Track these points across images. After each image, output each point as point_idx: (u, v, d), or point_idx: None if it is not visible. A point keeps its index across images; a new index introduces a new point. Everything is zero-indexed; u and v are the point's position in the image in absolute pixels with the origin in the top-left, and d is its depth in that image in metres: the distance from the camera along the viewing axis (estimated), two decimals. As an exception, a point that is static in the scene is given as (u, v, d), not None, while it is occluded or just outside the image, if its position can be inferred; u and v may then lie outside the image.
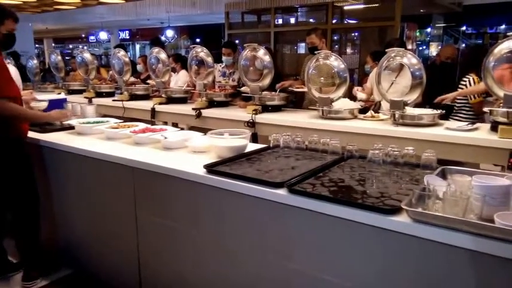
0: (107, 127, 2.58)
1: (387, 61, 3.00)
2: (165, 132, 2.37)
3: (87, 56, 5.00)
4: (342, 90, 3.21)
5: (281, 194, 1.54)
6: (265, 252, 1.66)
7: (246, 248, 1.73)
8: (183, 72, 5.17)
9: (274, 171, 1.78)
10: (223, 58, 4.53)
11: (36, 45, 14.57)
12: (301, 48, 6.47)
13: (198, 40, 13.47)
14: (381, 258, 1.32)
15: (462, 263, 1.15)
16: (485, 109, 2.61)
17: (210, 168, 1.81)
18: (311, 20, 5.89)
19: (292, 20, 6.52)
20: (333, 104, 3.25)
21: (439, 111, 2.90)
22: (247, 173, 1.75)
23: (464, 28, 15.34)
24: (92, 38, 17.88)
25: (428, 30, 13.04)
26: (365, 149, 1.94)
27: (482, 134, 2.60)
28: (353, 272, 1.39)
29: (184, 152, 2.22)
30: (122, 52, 4.74)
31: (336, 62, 3.22)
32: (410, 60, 2.87)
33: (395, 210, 1.28)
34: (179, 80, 5.04)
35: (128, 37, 16.07)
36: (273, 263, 1.63)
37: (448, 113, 3.14)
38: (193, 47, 4.15)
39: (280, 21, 6.24)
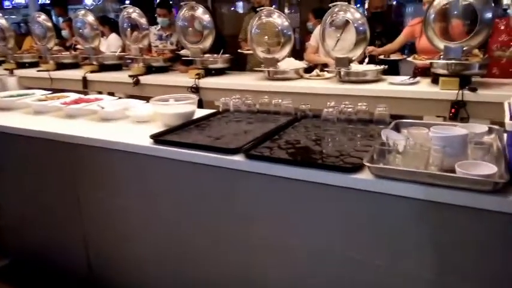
0: (33, 100, 2.30)
1: (331, 17, 2.93)
2: (101, 102, 2.15)
3: (2, 22, 4.43)
4: (286, 50, 3.12)
5: (238, 160, 1.44)
6: (224, 222, 1.58)
7: (203, 220, 1.64)
8: (113, 36, 4.76)
9: (227, 136, 1.68)
10: (159, 19, 4.22)
11: None
12: (239, 8, 6.23)
13: (127, 2, 12.53)
14: (345, 218, 1.29)
15: (426, 215, 1.15)
16: (428, 61, 2.66)
17: (157, 138, 1.66)
18: (249, -23, 5.64)
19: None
20: (278, 64, 3.16)
21: (381, 67, 2.92)
22: (198, 140, 1.63)
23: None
24: (6, 3, 16.04)
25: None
26: (314, 109, 1.89)
27: (424, 87, 2.66)
28: (317, 234, 1.36)
29: (125, 122, 2.03)
30: (43, 16, 4.24)
31: (279, 20, 3.11)
32: (354, 15, 2.83)
33: (356, 168, 1.24)
34: (111, 45, 4.64)
35: (48, 1, 14.58)
36: (233, 233, 1.56)
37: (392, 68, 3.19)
38: (124, 8, 3.81)
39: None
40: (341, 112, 1.72)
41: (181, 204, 1.69)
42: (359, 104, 1.74)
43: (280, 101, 1.93)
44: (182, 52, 3.97)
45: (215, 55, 3.62)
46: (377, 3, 3.81)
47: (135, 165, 1.75)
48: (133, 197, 1.82)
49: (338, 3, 2.89)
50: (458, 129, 1.24)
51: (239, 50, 3.86)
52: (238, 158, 1.46)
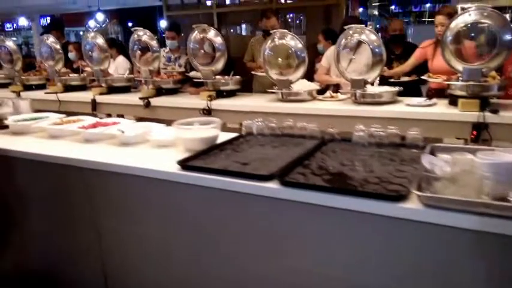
0: (48, 124, 2.25)
1: (345, 39, 2.93)
2: (120, 126, 2.11)
3: (10, 44, 4.42)
4: (300, 71, 3.11)
5: (272, 187, 1.39)
6: (254, 252, 1.52)
7: (231, 250, 1.57)
8: (121, 59, 4.76)
9: (255, 161, 1.63)
10: (168, 42, 4.23)
11: None
12: (244, 30, 6.28)
13: (130, 24, 12.67)
14: (389, 249, 1.24)
15: (481, 246, 1.09)
16: (446, 82, 2.65)
17: (185, 164, 1.61)
18: (255, 1, 5.69)
19: (229, 0, 6.26)
20: (291, 85, 3.15)
21: (397, 89, 2.91)
22: (226, 166, 1.58)
23: (393, 7, 16.07)
24: (8, 26, 16.19)
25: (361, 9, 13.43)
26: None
27: (442, 108, 2.64)
28: (360, 265, 1.30)
29: (145, 147, 1.98)
30: (51, 38, 4.24)
31: (292, 42, 3.10)
32: (369, 36, 2.83)
33: (403, 197, 1.19)
34: (119, 68, 4.64)
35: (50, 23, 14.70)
36: (265, 264, 1.49)
37: (409, 89, 3.18)
38: (135, 30, 3.81)
39: (221, 1, 5.97)
40: (371, 135, 1.68)
41: (207, 232, 1.62)
42: (389, 127, 1.70)
43: (305, 124, 1.89)
44: (191, 74, 3.96)
45: (226, 77, 3.61)
46: (396, 26, 3.85)
47: (159, 192, 1.70)
48: (156, 225, 1.75)
49: (353, 25, 2.89)
50: (507, 155, 1.19)
51: (253, 72, 3.85)
52: (272, 185, 1.40)
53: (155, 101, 3.64)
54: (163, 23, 9.74)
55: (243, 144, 1.88)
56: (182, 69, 4.23)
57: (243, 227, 1.53)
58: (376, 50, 2.81)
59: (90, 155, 1.85)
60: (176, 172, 1.59)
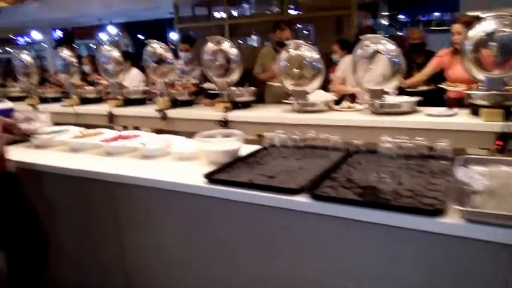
0: (70, 137, 2.25)
1: (361, 49, 2.92)
2: (142, 139, 2.10)
3: (26, 58, 4.48)
4: (317, 82, 3.10)
5: (302, 201, 1.37)
6: (285, 268, 1.49)
7: (261, 266, 1.54)
8: (135, 71, 4.81)
9: (281, 174, 1.61)
10: (181, 54, 4.26)
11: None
12: (254, 41, 6.32)
13: (140, 37, 12.82)
14: (425, 265, 1.20)
15: (525, 262, 1.06)
16: (467, 92, 2.62)
17: (211, 177, 1.59)
18: (266, 12, 5.73)
19: (242, 12, 6.31)
20: (307, 96, 3.13)
21: (417, 98, 2.88)
22: (253, 179, 1.56)
23: (402, 16, 16.02)
24: (21, 39, 16.47)
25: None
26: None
27: (464, 118, 2.60)
28: (395, 281, 1.27)
29: (167, 159, 1.98)
30: (66, 51, 4.29)
31: (308, 52, 3.10)
32: (387, 46, 2.81)
33: (440, 211, 1.16)
34: (133, 80, 4.67)
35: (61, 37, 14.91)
36: (296, 279, 1.47)
37: (431, 98, 3.15)
38: (149, 42, 3.84)
39: (232, 13, 6.02)
40: (399, 147, 1.65)
41: (232, 246, 1.60)
42: (417, 138, 1.67)
43: (327, 135, 1.87)
44: (205, 85, 3.98)
45: (241, 88, 3.61)
46: (416, 34, 3.85)
47: (184, 205, 1.68)
48: (179, 238, 1.74)
49: (370, 35, 2.88)
50: (547, 168, 1.16)
51: (269, 83, 3.85)
52: (302, 198, 1.38)
53: (171, 113, 3.65)
54: (173, 35, 9.84)
55: (266, 157, 1.87)
56: (196, 80, 4.25)
57: (269, 241, 1.51)
58: (395, 59, 2.79)
59: (113, 168, 1.85)
60: (203, 186, 1.57)
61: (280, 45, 3.55)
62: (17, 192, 1.79)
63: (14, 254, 1.80)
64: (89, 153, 2.14)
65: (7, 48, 14.53)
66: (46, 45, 11.84)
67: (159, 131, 3.45)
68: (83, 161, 2.01)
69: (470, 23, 2.69)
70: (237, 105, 3.47)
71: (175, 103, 3.80)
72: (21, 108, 3.86)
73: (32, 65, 4.54)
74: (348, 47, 3.63)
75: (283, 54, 3.17)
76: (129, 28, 14.32)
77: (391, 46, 2.81)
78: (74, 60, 4.26)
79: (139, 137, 2.14)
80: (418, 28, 6.25)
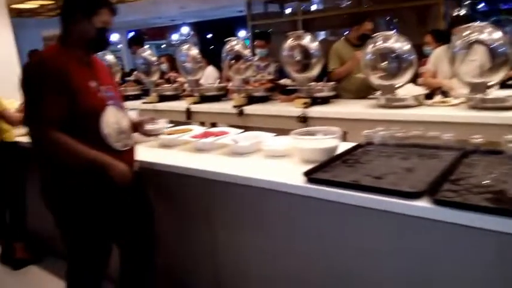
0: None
1: (461, 39, 2.65)
2: (232, 136, 2.06)
3: (109, 58, 4.71)
4: (407, 75, 2.87)
5: (422, 206, 1.22)
6: (396, 278, 1.35)
7: (367, 271, 1.42)
8: (210, 69, 4.86)
9: (390, 175, 1.46)
10: (257, 51, 4.21)
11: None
12: (325, 36, 6.13)
13: (209, 36, 13.14)
14: None
15: None
16: None
17: (311, 176, 1.50)
18: (341, 6, 5.52)
19: (314, 7, 6.15)
20: (396, 91, 2.92)
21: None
22: (359, 180, 1.44)
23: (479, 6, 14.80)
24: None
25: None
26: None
27: None
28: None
29: (258, 157, 1.91)
30: (147, 51, 4.44)
31: (398, 44, 2.88)
32: (492, 35, 2.52)
33: None
34: (208, 77, 4.72)
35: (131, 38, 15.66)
36: (410, 291, 1.32)
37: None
38: (228, 40, 3.84)
39: (305, 8, 5.88)
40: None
41: (330, 248, 1.50)
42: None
43: (438, 133, 1.69)
44: (282, 81, 3.90)
45: (320, 83, 3.48)
46: None
47: (279, 204, 1.61)
48: (273, 238, 1.66)
49: (471, 24, 2.61)
50: None
51: (358, 75, 3.64)
52: (421, 203, 1.23)
53: (247, 109, 3.62)
54: (241, 33, 9.91)
55: (366, 155, 1.73)
56: (271, 77, 4.19)
57: (375, 246, 1.38)
58: (500, 49, 2.49)
59: (206, 165, 1.82)
60: (302, 185, 1.48)
61: (363, 39, 3.36)
62: (142, 191, 1.84)
63: (130, 252, 1.83)
64: (177, 150, 2.14)
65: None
66: (122, 46, 12.52)
67: (235, 127, 3.43)
68: (174, 157, 2.01)
69: None
70: (316, 101, 3.35)
71: (252, 99, 3.77)
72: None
73: (114, 65, 4.76)
74: (443, 38, 3.34)
75: (369, 47, 2.98)
76: (197, 28, 14.74)
77: (496, 35, 2.52)
78: (153, 59, 4.39)
79: (228, 134, 2.10)
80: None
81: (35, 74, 1.60)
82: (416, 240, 1.29)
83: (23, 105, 1.68)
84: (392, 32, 2.94)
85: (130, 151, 1.79)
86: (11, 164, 2.87)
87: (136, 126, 1.91)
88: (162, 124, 2.03)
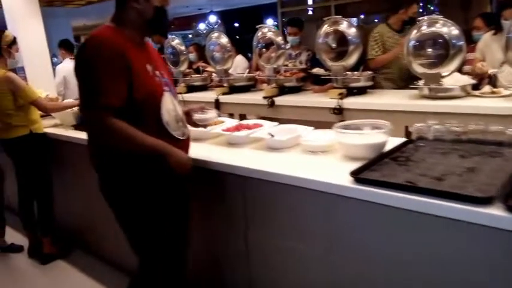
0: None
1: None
2: (266, 129, 1.92)
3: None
4: (455, 63, 2.64)
5: (494, 214, 1.05)
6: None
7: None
8: (239, 57, 4.71)
9: (450, 176, 1.29)
10: (289, 38, 4.02)
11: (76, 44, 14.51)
12: (355, 23, 5.86)
13: (236, 25, 12.97)
14: None
15: None
16: None
17: (359, 176, 1.34)
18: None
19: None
20: (442, 80, 2.70)
21: None
22: (414, 181, 1.27)
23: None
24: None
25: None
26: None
27: None
28: None
29: (296, 152, 1.77)
30: (176, 40, 4.34)
31: (445, 29, 2.65)
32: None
33: None
34: (237, 67, 4.58)
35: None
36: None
37: None
38: (260, 27, 3.68)
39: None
40: None
41: (376, 257, 1.34)
42: None
43: (502, 127, 1.49)
44: (314, 71, 3.71)
45: (355, 72, 3.29)
46: None
47: (320, 206, 1.46)
48: (312, 242, 1.52)
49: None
50: None
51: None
52: (493, 210, 1.06)
53: (278, 100, 3.47)
54: (269, 22, 9.69)
55: (418, 152, 1.55)
56: (303, 66, 4.01)
57: (430, 256, 1.22)
58: None
59: (241, 160, 1.69)
60: (350, 186, 1.33)
61: (408, 23, 3.13)
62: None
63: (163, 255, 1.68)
64: (209, 143, 2.02)
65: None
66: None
67: (265, 119, 3.30)
68: (204, 151, 1.89)
69: None
70: (351, 92, 3.15)
71: (283, 90, 3.61)
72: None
73: None
74: (493, 22, 3.06)
75: (413, 32, 2.76)
76: (224, 17, 14.60)
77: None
78: (183, 48, 4.29)
79: (262, 127, 1.96)
80: None
81: (93, 56, 1.44)
82: (486, 249, 1.12)
83: (79, 90, 1.51)
84: (439, 15, 2.68)
85: (187, 140, 1.68)
86: (40, 155, 2.84)
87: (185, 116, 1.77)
88: (211, 114, 1.85)
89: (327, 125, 2.52)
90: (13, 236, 3.23)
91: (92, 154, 1.63)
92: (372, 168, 1.43)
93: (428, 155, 1.51)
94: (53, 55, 6.73)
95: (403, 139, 1.70)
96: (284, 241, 1.60)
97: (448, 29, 2.63)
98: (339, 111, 3.01)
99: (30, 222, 2.95)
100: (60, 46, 4.88)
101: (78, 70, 1.50)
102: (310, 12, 5.95)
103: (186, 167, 1.57)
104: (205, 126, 1.88)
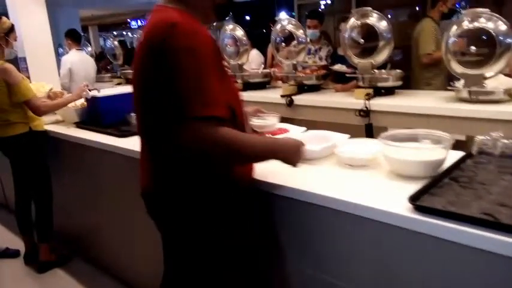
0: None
1: None
2: (294, 135, 1.66)
3: (115, 43, 4.44)
4: (502, 63, 2.36)
5: None
6: None
7: None
8: (254, 52, 4.46)
9: (535, 206, 1.02)
10: (309, 32, 3.75)
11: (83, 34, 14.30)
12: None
13: (247, 18, 12.63)
14: None
15: None
16: None
17: (419, 203, 1.08)
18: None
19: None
20: (485, 82, 2.41)
21: None
22: (492, 212, 1.01)
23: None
24: (133, 23, 17.45)
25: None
26: None
27: None
28: None
29: (330, 164, 1.50)
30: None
31: (490, 24, 2.36)
32: None
33: None
34: (252, 62, 4.33)
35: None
36: None
37: None
38: (278, 20, 3.41)
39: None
40: None
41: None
42: None
43: None
44: (336, 67, 3.45)
45: (383, 70, 3.01)
46: None
47: (368, 234, 1.20)
48: (359, 278, 1.27)
49: None
50: None
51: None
52: None
53: (297, 99, 3.22)
54: (283, 15, 9.39)
55: (483, 171, 1.29)
56: (324, 62, 3.74)
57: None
58: None
59: (264, 173, 1.43)
60: (410, 216, 1.06)
61: (448, 16, 2.85)
62: None
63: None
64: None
65: (123, 32, 15.59)
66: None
67: (283, 120, 3.05)
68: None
69: None
70: (379, 92, 2.89)
71: (302, 88, 3.35)
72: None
73: (117, 48, 4.58)
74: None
75: (453, 28, 2.48)
76: (235, 9, 14.28)
77: None
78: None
79: (288, 132, 1.70)
80: None
81: (193, 49, 1.07)
82: None
83: (151, 96, 1.15)
84: (484, 9, 2.39)
85: None
86: (40, 154, 2.60)
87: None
88: (272, 120, 1.54)
89: (351, 128, 2.26)
90: (11, 240, 3.01)
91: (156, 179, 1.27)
92: (431, 191, 1.16)
93: (494, 174, 1.25)
94: (58, 45, 6.51)
95: (459, 152, 1.43)
96: (316, 270, 1.35)
97: (495, 24, 2.34)
98: (366, 114, 2.75)
99: (27, 226, 2.72)
100: (67, 36, 4.65)
101: (165, 69, 1.08)
102: (323, 6, 5.62)
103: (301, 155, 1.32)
104: (263, 134, 1.57)
